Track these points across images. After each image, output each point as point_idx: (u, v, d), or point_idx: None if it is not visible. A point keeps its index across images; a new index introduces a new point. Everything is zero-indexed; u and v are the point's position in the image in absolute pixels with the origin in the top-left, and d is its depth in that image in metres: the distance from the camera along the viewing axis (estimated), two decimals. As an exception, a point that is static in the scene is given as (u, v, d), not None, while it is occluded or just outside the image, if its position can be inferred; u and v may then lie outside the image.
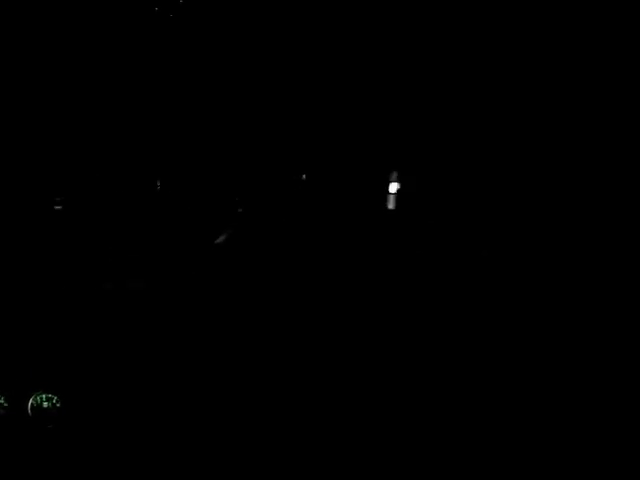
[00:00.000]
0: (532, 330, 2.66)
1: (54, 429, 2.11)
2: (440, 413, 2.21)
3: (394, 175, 2.77)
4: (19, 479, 2.06)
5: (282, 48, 2.64)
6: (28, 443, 2.10)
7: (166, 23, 2.37)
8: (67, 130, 2.43)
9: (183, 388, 2.25)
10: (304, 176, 2.96)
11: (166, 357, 2.22)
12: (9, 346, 2.14)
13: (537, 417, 2.18)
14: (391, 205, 2.92)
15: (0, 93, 2.22)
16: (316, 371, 2.32)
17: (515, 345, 2.59)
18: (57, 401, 2.12)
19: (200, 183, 2.78)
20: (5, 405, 2.09)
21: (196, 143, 2.75)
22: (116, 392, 2.16)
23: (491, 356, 2.52)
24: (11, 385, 2.10)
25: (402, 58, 2.67)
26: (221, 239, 2.70)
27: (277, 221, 3.00)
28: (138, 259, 2.41)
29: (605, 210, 2.68)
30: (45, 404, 2.11)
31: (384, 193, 2.96)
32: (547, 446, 2.05)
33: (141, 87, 2.49)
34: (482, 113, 2.72)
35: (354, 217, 3.02)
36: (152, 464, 2.11)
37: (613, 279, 2.65)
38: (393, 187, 2.80)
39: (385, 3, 2.58)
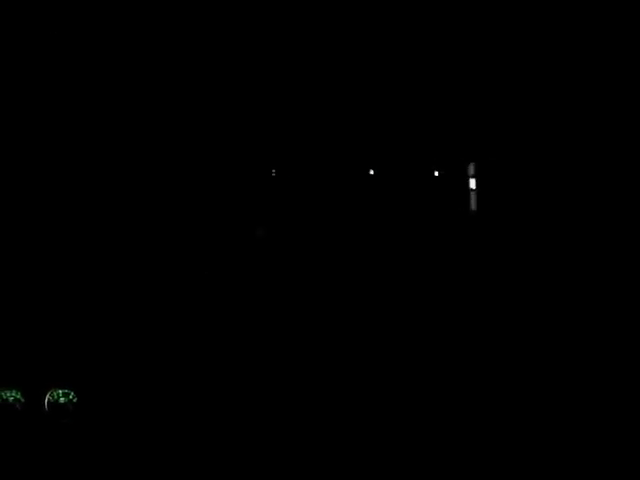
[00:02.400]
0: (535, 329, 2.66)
1: (70, 425, 2.11)
2: (441, 412, 2.20)
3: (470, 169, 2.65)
4: (35, 475, 2.07)
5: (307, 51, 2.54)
6: (44, 438, 2.10)
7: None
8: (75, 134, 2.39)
9: (195, 385, 2.24)
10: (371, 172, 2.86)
11: (179, 354, 2.21)
12: (26, 341, 2.13)
13: (537, 417, 2.16)
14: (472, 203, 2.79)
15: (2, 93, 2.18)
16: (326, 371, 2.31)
17: (517, 344, 2.59)
18: (74, 397, 2.11)
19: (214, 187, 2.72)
20: (22, 400, 2.09)
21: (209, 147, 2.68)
22: (132, 389, 2.15)
23: (494, 355, 2.52)
24: (28, 380, 2.10)
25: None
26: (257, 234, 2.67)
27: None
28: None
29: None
30: (62, 399, 2.10)
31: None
32: (547, 446, 2.05)
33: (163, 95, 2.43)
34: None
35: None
36: (165, 460, 2.11)
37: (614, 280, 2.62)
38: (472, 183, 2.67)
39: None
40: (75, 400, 2.11)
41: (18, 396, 2.09)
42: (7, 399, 2.08)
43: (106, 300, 2.29)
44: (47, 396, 2.10)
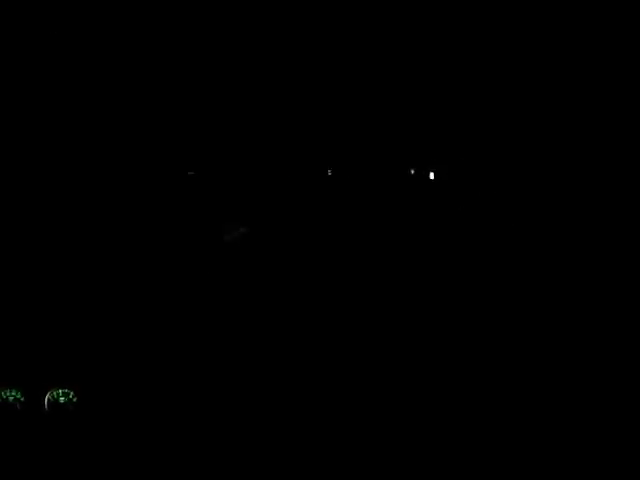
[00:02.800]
0: (534, 329, 2.66)
1: (70, 424, 2.12)
2: (440, 413, 2.22)
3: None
4: (35, 474, 2.07)
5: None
6: (44, 438, 2.10)
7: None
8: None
9: (194, 384, 2.25)
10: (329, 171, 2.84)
11: (177, 352, 2.22)
12: (26, 341, 2.13)
13: (537, 417, 2.17)
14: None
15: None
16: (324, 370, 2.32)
17: (516, 344, 2.59)
18: (74, 396, 2.11)
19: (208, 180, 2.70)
20: (22, 400, 2.10)
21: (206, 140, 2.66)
22: (132, 388, 2.16)
23: (493, 355, 2.52)
24: (28, 380, 2.10)
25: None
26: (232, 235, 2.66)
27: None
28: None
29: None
30: (62, 399, 2.11)
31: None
32: (547, 446, 2.07)
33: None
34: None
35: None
36: (165, 460, 2.12)
37: (613, 279, 2.62)
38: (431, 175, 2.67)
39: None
40: (75, 400, 2.12)
41: (18, 396, 2.09)
42: (7, 399, 2.09)
43: (105, 300, 2.29)
44: (47, 396, 2.10)
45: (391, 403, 2.22)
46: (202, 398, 2.20)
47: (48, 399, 2.10)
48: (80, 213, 2.44)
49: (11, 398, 2.09)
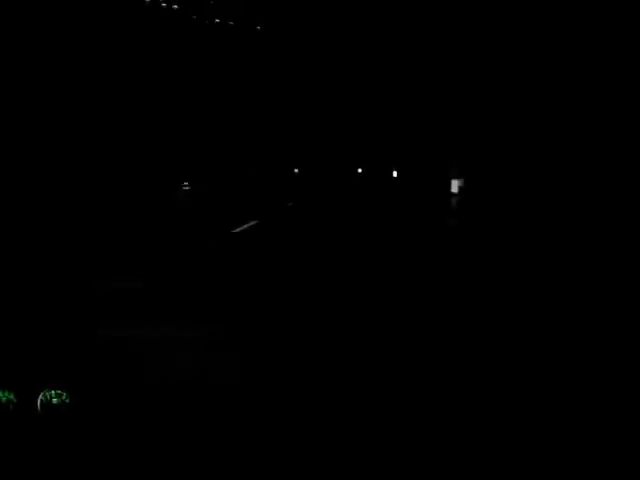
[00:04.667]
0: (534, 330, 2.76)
1: (63, 425, 2.11)
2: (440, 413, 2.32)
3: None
4: (29, 476, 2.00)
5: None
6: (37, 439, 2.05)
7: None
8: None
9: (187, 384, 2.36)
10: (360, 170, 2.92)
11: (172, 353, 2.34)
12: (19, 343, 2.16)
13: (537, 417, 2.26)
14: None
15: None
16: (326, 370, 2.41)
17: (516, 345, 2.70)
18: (66, 397, 2.14)
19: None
20: (15, 401, 2.08)
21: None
22: (124, 388, 2.23)
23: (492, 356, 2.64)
24: (21, 381, 2.11)
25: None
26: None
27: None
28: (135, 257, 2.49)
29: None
30: (55, 400, 2.12)
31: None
32: (547, 446, 2.10)
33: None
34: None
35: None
36: (159, 461, 2.15)
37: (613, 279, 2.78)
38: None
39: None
40: (68, 401, 2.15)
41: (11, 397, 2.08)
42: (0, 400, 2.07)
43: (95, 300, 2.41)
44: (40, 397, 2.12)
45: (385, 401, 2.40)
46: (195, 399, 2.33)
47: (41, 400, 2.12)
48: (68, 215, 2.54)
49: (4, 399, 2.07)
